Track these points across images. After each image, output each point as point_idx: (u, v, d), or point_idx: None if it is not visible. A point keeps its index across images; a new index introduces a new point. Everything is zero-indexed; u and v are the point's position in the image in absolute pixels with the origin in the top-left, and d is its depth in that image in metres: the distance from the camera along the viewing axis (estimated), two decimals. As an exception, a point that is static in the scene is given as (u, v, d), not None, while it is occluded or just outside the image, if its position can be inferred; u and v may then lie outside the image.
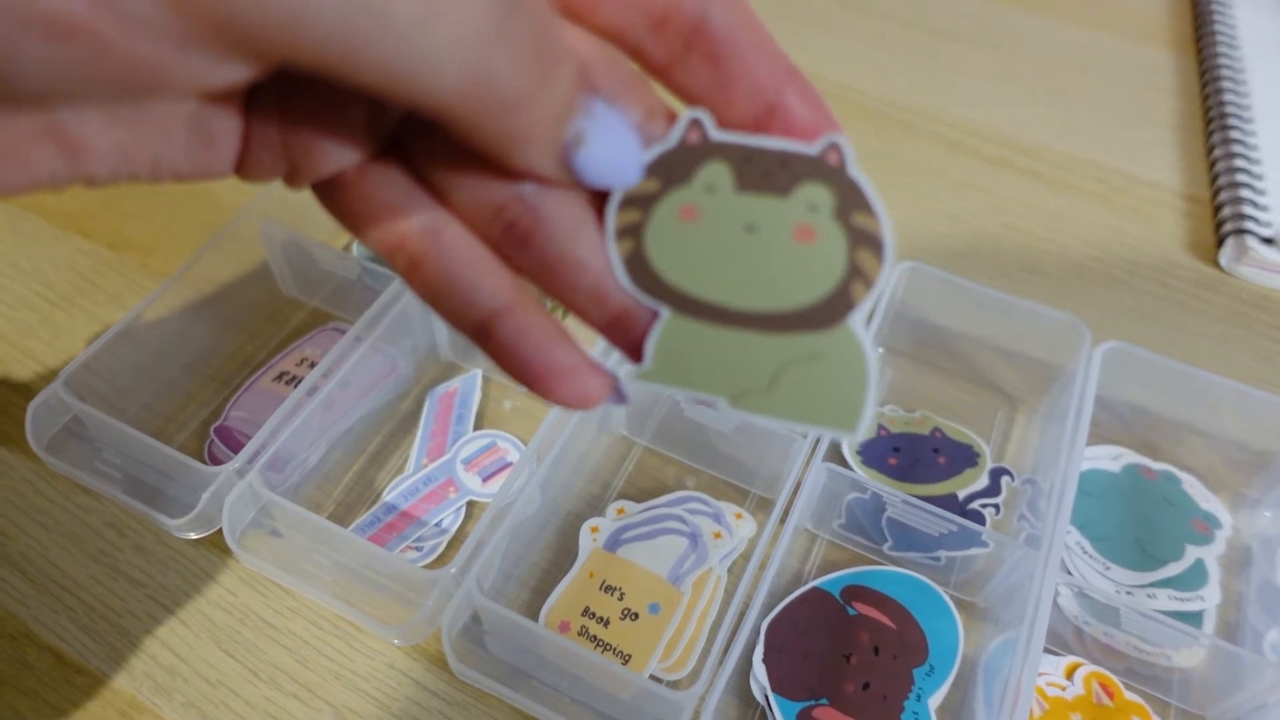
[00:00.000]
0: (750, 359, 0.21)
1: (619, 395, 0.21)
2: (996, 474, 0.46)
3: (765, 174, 0.20)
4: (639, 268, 0.20)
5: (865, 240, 0.20)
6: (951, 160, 0.63)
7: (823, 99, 0.20)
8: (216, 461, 0.45)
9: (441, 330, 0.49)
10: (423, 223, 0.19)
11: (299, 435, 0.42)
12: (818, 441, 0.42)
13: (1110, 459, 0.48)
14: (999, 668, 0.37)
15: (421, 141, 0.19)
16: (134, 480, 0.44)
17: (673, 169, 0.20)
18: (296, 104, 0.18)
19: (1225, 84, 0.65)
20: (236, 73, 0.15)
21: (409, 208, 0.19)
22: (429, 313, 0.48)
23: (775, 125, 0.19)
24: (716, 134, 0.20)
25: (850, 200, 0.20)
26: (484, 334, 0.20)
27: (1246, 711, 0.38)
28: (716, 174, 0.20)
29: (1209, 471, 0.47)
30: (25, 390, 0.48)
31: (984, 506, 0.45)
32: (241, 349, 0.51)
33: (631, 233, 0.20)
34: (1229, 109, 0.63)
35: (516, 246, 0.19)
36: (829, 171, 0.20)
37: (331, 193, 0.20)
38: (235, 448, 0.44)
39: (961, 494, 0.45)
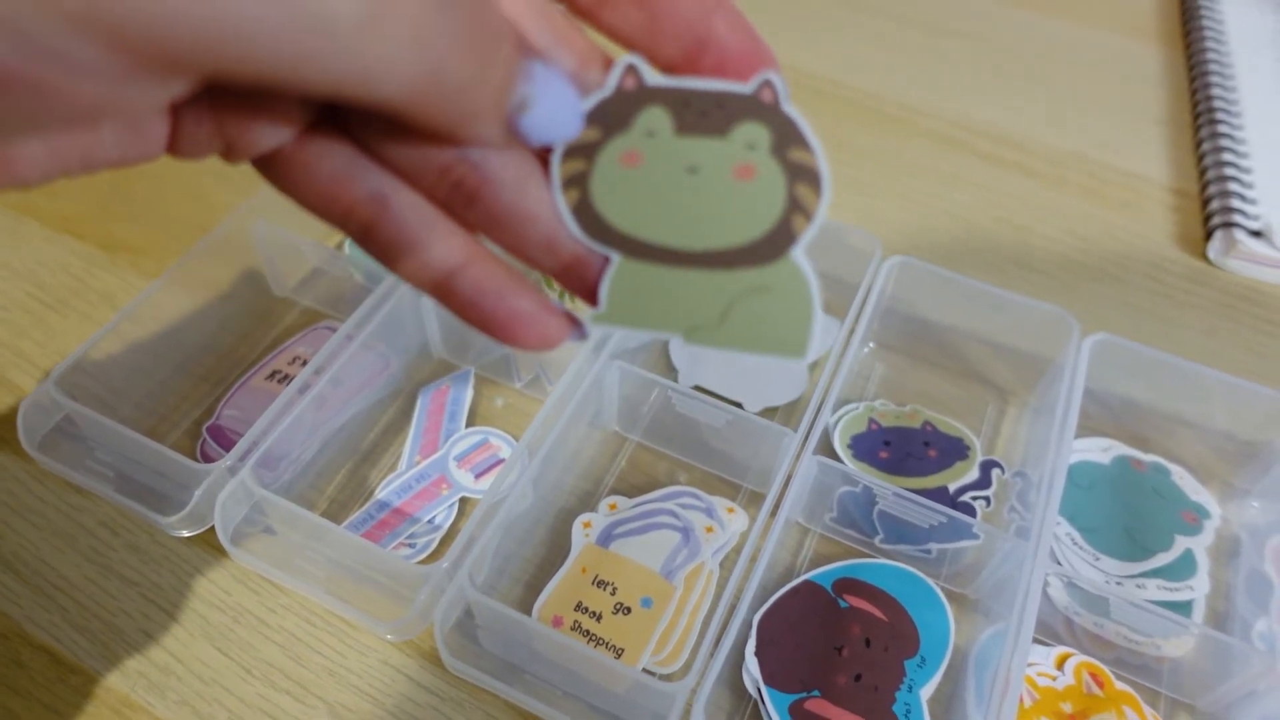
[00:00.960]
0: (700, 296, 0.22)
1: (579, 332, 0.21)
2: (987, 466, 0.46)
3: (703, 115, 0.20)
4: (587, 216, 0.21)
5: (803, 175, 0.20)
6: (943, 155, 0.63)
7: (754, 29, 0.20)
8: (209, 460, 0.45)
9: (433, 328, 0.49)
10: (369, 190, 0.19)
11: (291, 433, 0.42)
12: (808, 435, 0.42)
13: (1100, 451, 0.48)
14: (989, 658, 0.37)
15: (359, 112, 0.18)
16: (126, 479, 0.44)
17: (612, 116, 0.20)
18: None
19: (1213, 78, 0.65)
20: (178, 90, 0.15)
21: (353, 176, 0.19)
22: (421, 311, 0.48)
23: (707, 59, 0.19)
24: (653, 78, 0.20)
25: (787, 136, 0.20)
26: (443, 291, 0.20)
27: (1235, 699, 0.38)
28: (655, 119, 0.20)
29: (1198, 463, 0.47)
30: (18, 391, 0.48)
31: (975, 499, 0.45)
32: (234, 348, 0.51)
33: (577, 182, 0.20)
34: (1216, 103, 0.63)
35: (465, 204, 0.20)
36: (765, 109, 0.20)
37: (272, 167, 0.19)
38: (228, 446, 0.44)
39: (952, 487, 0.46)
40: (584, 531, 0.42)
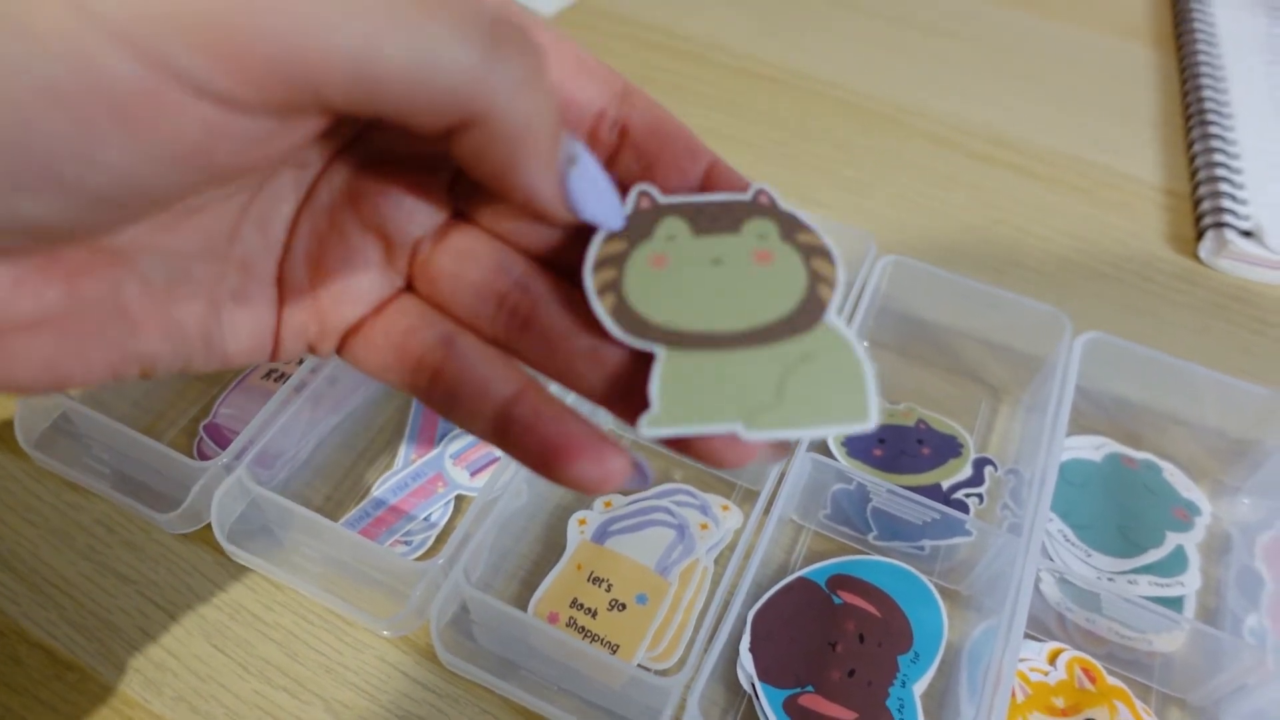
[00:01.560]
0: (751, 376, 0.22)
1: (641, 473, 0.21)
2: (980, 464, 0.47)
3: (714, 219, 0.23)
4: (625, 316, 0.22)
5: (815, 251, 0.23)
6: (938, 156, 0.63)
7: (740, 175, 0.23)
8: (206, 458, 0.45)
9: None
10: (437, 336, 0.21)
11: (287, 431, 0.42)
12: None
13: (1092, 449, 0.48)
14: (981, 653, 0.38)
15: (429, 269, 0.22)
16: (123, 477, 0.44)
17: (634, 229, 0.22)
18: (322, 262, 0.21)
19: (1204, 80, 0.66)
20: (300, 129, 0.17)
21: (423, 326, 0.22)
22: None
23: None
24: (663, 199, 0.23)
25: (791, 226, 0.23)
26: (502, 422, 0.21)
27: (1226, 694, 0.39)
28: (674, 226, 0.23)
29: (1190, 460, 0.47)
30: (14, 389, 0.48)
31: (968, 496, 0.45)
32: (230, 347, 0.51)
33: (611, 288, 0.21)
34: (1208, 104, 0.64)
35: (520, 329, 0.21)
36: (765, 209, 0.23)
37: (356, 338, 0.22)
38: (225, 445, 0.44)
39: (945, 484, 0.46)
40: (579, 529, 0.42)
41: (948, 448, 0.47)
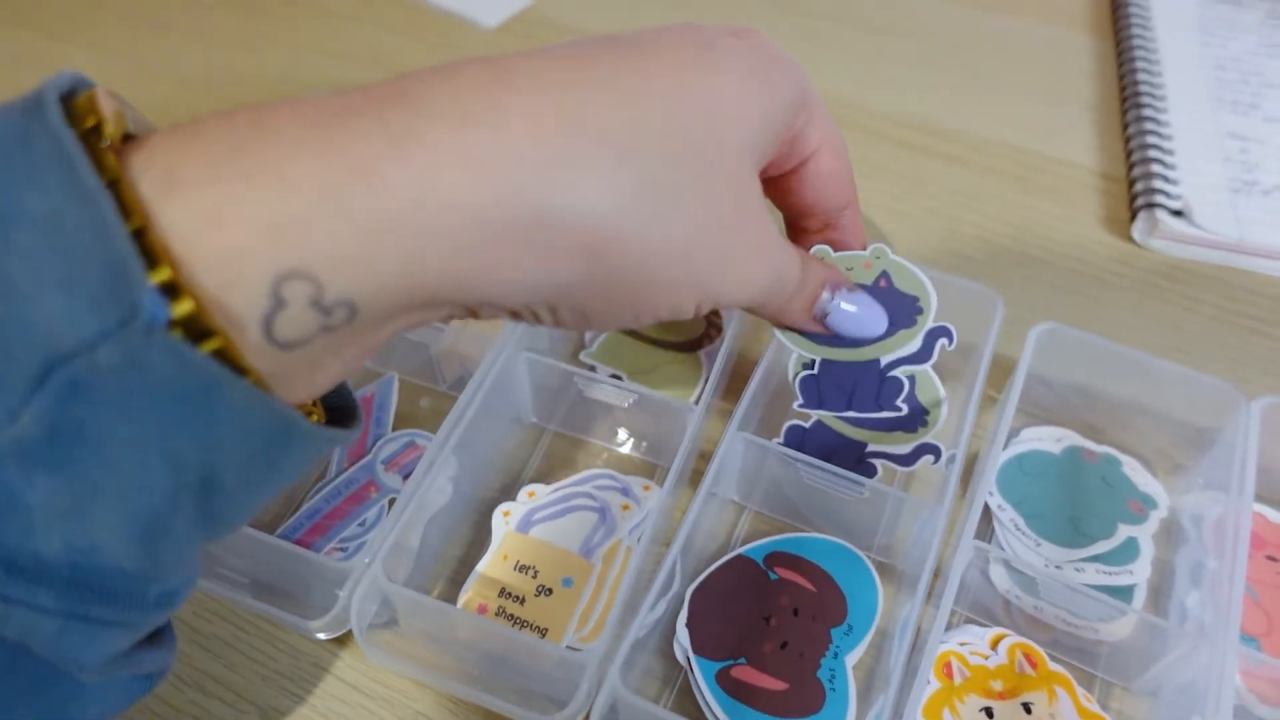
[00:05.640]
0: (645, 357, 0.51)
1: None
2: (933, 335, 0.43)
3: None
4: None
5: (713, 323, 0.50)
6: (872, 148, 0.68)
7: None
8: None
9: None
10: None
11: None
12: (732, 414, 0.46)
13: (1053, 441, 0.51)
14: (910, 625, 0.41)
15: None
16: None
17: None
18: None
19: (1139, 63, 0.71)
20: None
21: None
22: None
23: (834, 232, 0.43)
24: None
25: None
26: None
27: (1167, 679, 0.42)
28: None
29: (1154, 453, 0.51)
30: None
31: (905, 373, 0.43)
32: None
33: None
34: (1142, 87, 0.69)
35: None
36: None
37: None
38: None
39: (885, 359, 0.43)
40: (504, 520, 0.46)
41: (903, 313, 0.43)
